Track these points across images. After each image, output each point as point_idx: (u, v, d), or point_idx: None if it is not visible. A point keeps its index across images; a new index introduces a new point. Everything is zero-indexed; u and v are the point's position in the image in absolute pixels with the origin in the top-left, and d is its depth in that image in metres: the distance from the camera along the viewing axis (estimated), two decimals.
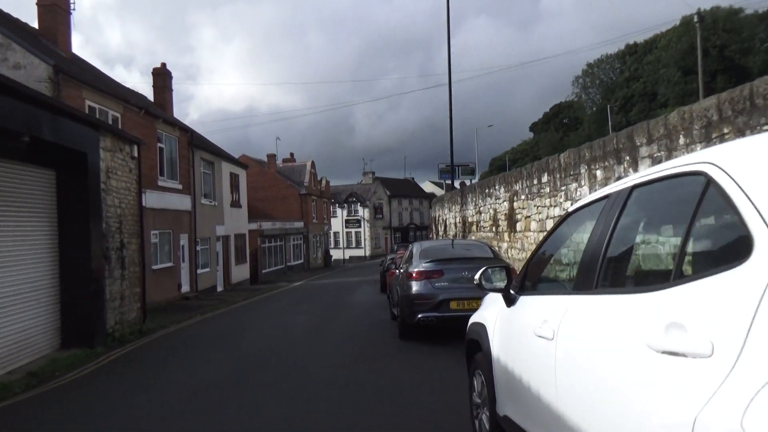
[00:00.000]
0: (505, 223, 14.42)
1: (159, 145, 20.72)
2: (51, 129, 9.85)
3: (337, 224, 63.33)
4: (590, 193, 9.42)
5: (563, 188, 10.54)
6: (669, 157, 7.04)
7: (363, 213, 64.20)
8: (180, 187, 22.35)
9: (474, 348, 4.34)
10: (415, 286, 9.48)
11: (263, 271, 35.43)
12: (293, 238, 42.98)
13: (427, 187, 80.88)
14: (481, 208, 17.09)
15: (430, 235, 46.24)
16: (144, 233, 18.13)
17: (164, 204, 20.79)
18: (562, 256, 3.83)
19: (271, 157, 46.59)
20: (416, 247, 10.81)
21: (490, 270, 3.89)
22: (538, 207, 11.96)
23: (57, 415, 6.68)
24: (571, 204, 10.14)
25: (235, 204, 30.02)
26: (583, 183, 9.63)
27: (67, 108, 10.79)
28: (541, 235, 11.79)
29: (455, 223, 21.43)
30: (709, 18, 62.67)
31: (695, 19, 46.64)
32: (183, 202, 22.58)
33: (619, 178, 8.28)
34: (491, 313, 3.99)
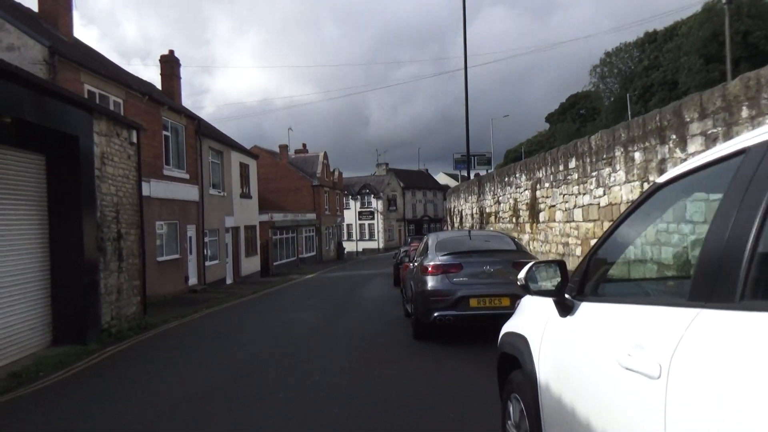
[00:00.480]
0: (527, 213, 13.43)
1: (164, 132, 19.97)
2: (36, 110, 9.05)
3: (350, 216, 62.54)
4: (626, 178, 8.43)
5: (594, 174, 9.53)
6: (728, 134, 6.02)
7: (376, 205, 63.30)
8: (187, 176, 21.61)
9: (509, 365, 3.41)
10: (431, 282, 8.56)
11: (274, 264, 34.73)
12: (305, 230, 42.24)
13: (441, 179, 79.69)
14: (500, 198, 16.09)
15: (445, 227, 45.26)
16: (144, 223, 17.43)
17: (170, 194, 20.06)
18: (647, 247, 2.87)
19: (283, 147, 45.82)
20: (432, 239, 9.87)
21: (536, 266, 2.96)
22: (564, 195, 10.96)
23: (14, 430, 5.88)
24: (604, 192, 9.15)
25: (245, 195, 29.27)
26: (618, 167, 8.62)
27: (54, 88, 9.99)
28: (568, 226, 10.81)
29: (472, 214, 20.44)
30: (734, 3, 60.66)
31: (723, 1, 44.89)
32: (190, 193, 21.84)
33: (663, 160, 7.27)
34: (535, 322, 3.06)
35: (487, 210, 17.74)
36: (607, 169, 9.01)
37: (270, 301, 19.02)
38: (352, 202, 63.39)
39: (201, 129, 23.21)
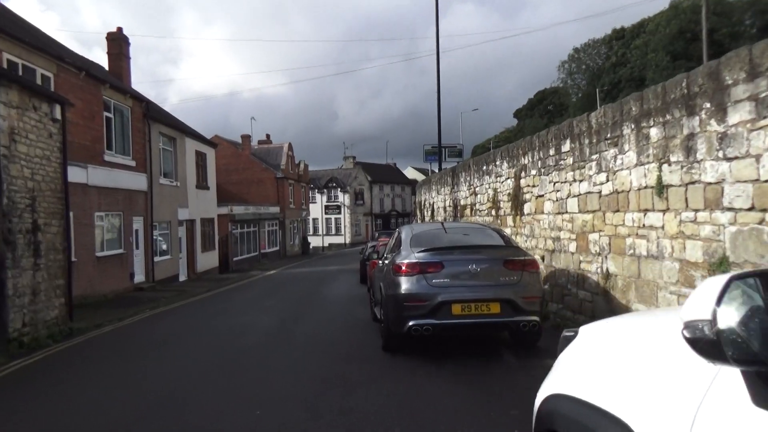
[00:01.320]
0: (509, 204, 12.04)
1: (106, 114, 17.89)
2: None
3: (316, 210, 60.63)
4: (638, 160, 7.07)
5: (594, 157, 8.15)
6: None
7: (343, 199, 61.54)
8: (133, 163, 19.55)
9: None
10: (406, 284, 7.03)
11: (234, 259, 32.74)
12: (268, 224, 40.26)
13: (410, 173, 78.42)
14: (477, 189, 14.68)
15: (414, 221, 43.90)
16: (81, 214, 15.41)
17: (113, 182, 18.01)
18: None
19: (246, 138, 43.65)
20: (405, 232, 8.34)
21: (732, 285, 1.28)
22: (555, 183, 9.58)
23: None
24: (607, 177, 7.78)
25: (202, 185, 27.23)
26: (626, 147, 7.25)
27: None
28: (559, 219, 9.44)
29: (444, 207, 19.01)
30: (699, 2, 61.03)
31: None
32: (137, 181, 19.79)
33: (691, 136, 5.90)
34: (654, 398, 1.48)
35: (462, 202, 16.33)
36: (612, 151, 7.63)
37: (224, 300, 17.22)
38: (318, 196, 61.49)
39: (150, 112, 21.13)
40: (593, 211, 8.26)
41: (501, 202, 12.73)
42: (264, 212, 38.80)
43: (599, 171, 8.05)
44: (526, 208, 11.06)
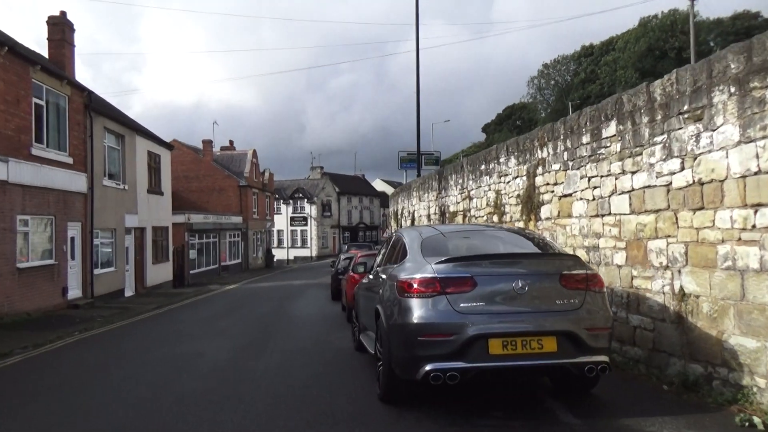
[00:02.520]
0: (518, 208, 9.98)
1: (36, 100, 15.15)
2: None
3: (281, 222, 57.82)
4: (743, 135, 5.07)
5: (660, 139, 6.14)
6: None
7: (310, 210, 58.93)
8: (70, 161, 16.78)
9: None
10: (420, 309, 4.79)
11: (191, 272, 29.81)
12: (230, 235, 37.41)
13: (379, 185, 76.40)
14: (473, 192, 12.60)
15: (384, 235, 41.69)
16: None
17: (43, 181, 15.23)
18: None
19: (207, 143, 40.80)
20: (411, 235, 6.10)
21: None
22: (591, 179, 7.56)
23: None
24: (682, 165, 5.75)
25: (155, 190, 24.42)
26: (719, 121, 5.26)
27: None
28: (598, 223, 7.38)
29: (428, 215, 16.87)
30: (667, 20, 61.52)
31: (662, 14, 44.12)
32: (74, 182, 17.00)
33: None
34: None
35: (452, 208, 14.22)
36: (692, 128, 5.63)
37: (173, 320, 14.58)
38: (283, 207, 58.74)
39: (93, 104, 18.41)
40: (656, 211, 6.21)
41: (506, 206, 10.64)
42: (225, 222, 35.98)
43: (667, 157, 6.01)
44: (545, 211, 8.98)
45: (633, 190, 6.65)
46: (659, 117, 6.19)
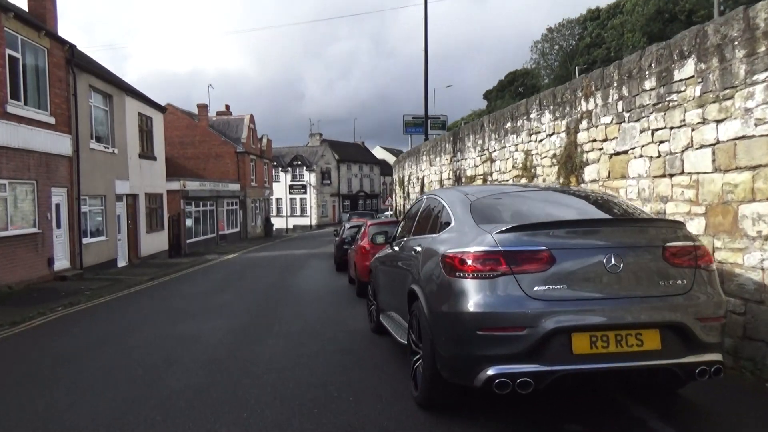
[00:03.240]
0: (554, 170, 8.73)
1: (10, 52, 13.66)
2: None
3: (279, 190, 56.45)
4: None
5: (762, 76, 4.88)
6: None
7: (309, 178, 57.50)
8: (51, 120, 15.37)
9: None
10: (480, 294, 3.58)
11: (188, 241, 28.66)
12: (228, 203, 36.12)
13: (379, 153, 74.76)
14: (495, 154, 11.30)
15: (386, 204, 40.39)
16: None
17: (20, 142, 13.87)
18: None
19: (203, 108, 39.10)
20: (454, 197, 4.81)
21: None
22: (656, 132, 6.30)
23: None
24: None
25: (147, 155, 23.02)
26: None
27: None
28: (665, 183, 6.15)
29: (441, 181, 15.60)
30: None
31: None
32: (57, 144, 15.63)
33: None
34: None
35: (469, 172, 12.94)
36: None
37: (166, 294, 13.45)
38: (282, 175, 57.27)
39: (76, 60, 16.90)
40: (753, 168, 4.97)
41: (538, 168, 9.38)
42: (223, 189, 34.65)
43: None
44: (590, 172, 7.73)
45: (718, 142, 5.40)
46: (762, 49, 4.89)
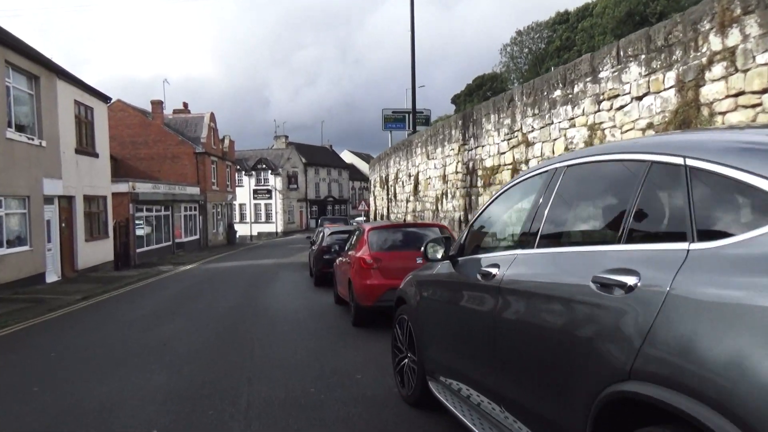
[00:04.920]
0: None
1: None
2: None
3: (243, 195, 52.70)
4: None
5: None
6: None
7: (274, 182, 53.91)
8: None
9: None
10: None
11: (139, 250, 24.99)
12: (185, 207, 32.45)
13: (347, 156, 71.65)
14: (533, 134, 8.56)
15: (359, 208, 37.36)
16: None
17: None
18: None
19: (157, 104, 35.28)
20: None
21: None
22: None
23: None
24: None
25: (86, 151, 19.46)
26: None
27: None
28: None
29: (444, 176, 12.76)
30: None
31: None
32: None
33: None
34: None
35: (488, 162, 10.16)
36: None
37: (96, 321, 10.15)
38: (245, 179, 53.56)
39: None
40: None
41: None
42: (179, 193, 31.00)
43: None
44: None
45: None
46: None
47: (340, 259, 9.81)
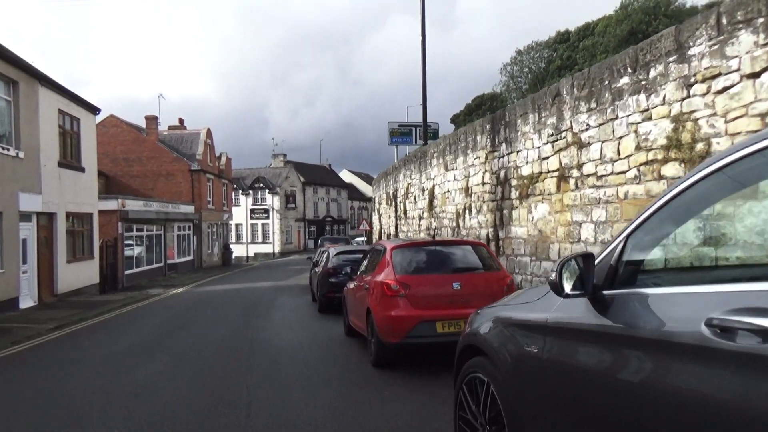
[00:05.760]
0: None
1: None
2: None
3: (240, 215, 51.12)
4: None
5: None
6: None
7: (272, 202, 52.38)
8: None
9: None
10: None
11: (127, 272, 23.32)
12: (179, 227, 30.86)
13: (346, 176, 70.34)
14: (589, 133, 7.08)
15: (360, 228, 35.80)
16: None
17: None
18: None
19: (152, 120, 33.92)
20: None
21: None
22: None
23: None
24: None
25: (71, 164, 17.96)
26: None
27: None
28: None
29: (466, 188, 11.27)
30: (650, 2, 58.14)
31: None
32: None
33: None
34: None
35: (526, 170, 8.69)
36: None
37: (63, 357, 8.50)
38: (242, 198, 52.03)
39: None
40: None
41: (715, 139, 5.17)
42: (173, 211, 29.44)
43: None
44: None
45: None
46: None
47: (355, 283, 8.24)
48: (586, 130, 7.17)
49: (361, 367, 6.62)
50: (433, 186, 13.37)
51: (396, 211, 17.70)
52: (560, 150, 7.76)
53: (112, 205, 22.21)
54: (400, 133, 22.87)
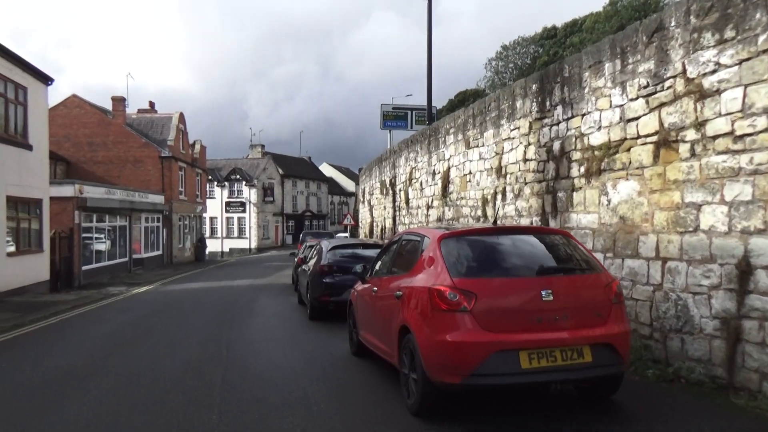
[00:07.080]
0: None
1: None
2: None
3: (214, 207, 48.19)
4: None
5: None
6: None
7: (249, 194, 49.50)
8: None
9: None
10: None
11: (85, 268, 20.51)
12: (146, 218, 28.00)
13: (326, 170, 67.60)
14: (720, 76, 4.97)
15: (344, 223, 33.51)
16: None
17: None
18: None
19: (119, 101, 30.86)
20: None
21: None
22: None
23: None
24: None
25: (13, 140, 15.19)
26: None
27: None
28: None
29: (498, 168, 9.02)
30: (638, 0, 56.95)
31: None
32: None
33: None
34: None
35: (597, 138, 6.50)
36: None
37: None
38: (217, 190, 49.11)
39: None
40: None
41: None
42: (140, 201, 26.61)
43: None
44: None
45: None
46: None
47: (368, 286, 5.91)
48: (714, 72, 4.98)
49: (394, 418, 4.32)
50: (448, 168, 11.09)
51: (394, 200, 15.39)
52: (661, 105, 5.57)
53: (67, 191, 19.41)
54: (394, 117, 20.57)
